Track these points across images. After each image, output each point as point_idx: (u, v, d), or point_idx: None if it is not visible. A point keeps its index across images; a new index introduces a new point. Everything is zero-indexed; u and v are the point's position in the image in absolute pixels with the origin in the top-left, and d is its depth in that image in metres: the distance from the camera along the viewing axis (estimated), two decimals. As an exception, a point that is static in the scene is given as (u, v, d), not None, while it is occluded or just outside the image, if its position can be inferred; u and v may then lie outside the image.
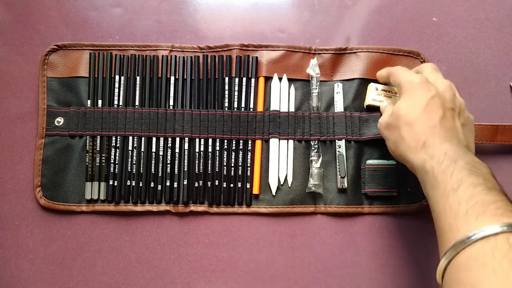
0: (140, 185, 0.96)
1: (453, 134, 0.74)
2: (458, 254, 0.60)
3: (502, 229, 0.57)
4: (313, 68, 0.96)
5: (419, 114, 0.75)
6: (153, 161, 0.96)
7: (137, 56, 0.98)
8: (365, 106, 0.97)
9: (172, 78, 0.98)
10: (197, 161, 0.96)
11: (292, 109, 0.98)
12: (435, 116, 0.74)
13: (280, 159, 0.96)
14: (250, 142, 0.97)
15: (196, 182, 0.96)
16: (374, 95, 0.94)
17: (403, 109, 0.77)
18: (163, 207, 0.96)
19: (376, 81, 0.94)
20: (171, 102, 0.97)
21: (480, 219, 0.59)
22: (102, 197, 0.96)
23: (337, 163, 0.95)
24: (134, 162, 0.95)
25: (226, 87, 0.98)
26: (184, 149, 0.96)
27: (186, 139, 0.96)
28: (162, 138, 0.96)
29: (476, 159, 0.69)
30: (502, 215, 0.59)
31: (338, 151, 0.95)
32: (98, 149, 0.96)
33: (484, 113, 0.98)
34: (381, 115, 0.91)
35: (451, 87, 0.80)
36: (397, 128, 0.77)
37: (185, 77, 0.98)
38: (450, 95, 0.78)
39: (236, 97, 0.98)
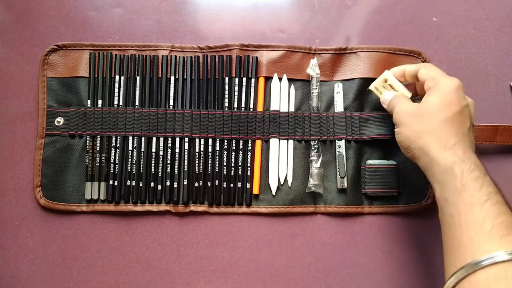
0: (140, 185, 0.96)
1: (473, 147, 0.74)
2: (476, 271, 0.59)
3: None
4: (313, 68, 0.96)
5: (455, 115, 0.74)
6: (153, 161, 0.96)
7: (137, 56, 0.98)
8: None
9: (172, 78, 0.98)
10: (197, 161, 0.96)
11: (292, 109, 0.98)
12: (466, 124, 0.75)
13: (280, 159, 0.96)
14: (250, 142, 0.97)
15: (196, 182, 0.96)
16: (379, 84, 0.92)
17: (437, 105, 0.75)
18: (163, 207, 0.96)
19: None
20: (171, 102, 0.97)
21: (504, 241, 0.59)
22: (102, 197, 0.96)
23: (337, 163, 0.95)
24: (134, 162, 0.95)
25: (226, 87, 0.98)
26: (184, 149, 0.96)
27: (186, 139, 0.96)
28: (162, 138, 0.96)
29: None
30: None
31: (338, 151, 0.95)
32: (98, 149, 0.96)
33: (484, 113, 0.98)
34: (383, 115, 0.91)
35: (474, 104, 0.80)
36: (428, 119, 0.75)
37: (185, 77, 0.98)
38: (473, 110, 0.79)
39: (236, 97, 0.98)
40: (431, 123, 0.75)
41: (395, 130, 0.81)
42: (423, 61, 0.98)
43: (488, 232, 0.60)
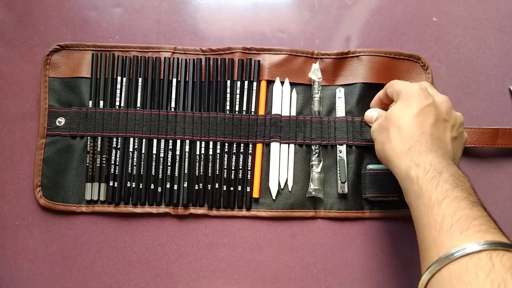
0: (140, 186, 0.96)
1: (440, 144, 0.74)
2: (441, 269, 0.60)
3: (484, 247, 0.57)
4: (315, 73, 0.97)
5: (410, 118, 0.75)
6: (153, 163, 0.96)
7: (139, 58, 0.98)
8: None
9: (174, 80, 0.98)
10: (197, 164, 0.96)
11: (293, 113, 0.98)
12: (426, 123, 0.74)
13: (280, 163, 0.96)
14: (251, 146, 0.97)
15: (196, 185, 0.96)
16: None
17: (396, 112, 0.77)
18: (162, 209, 0.96)
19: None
20: (173, 104, 0.97)
21: (464, 235, 0.59)
22: (102, 198, 0.96)
23: (338, 168, 0.96)
24: (134, 164, 0.96)
25: (228, 90, 0.98)
26: (185, 152, 0.96)
27: (187, 141, 0.96)
28: (163, 140, 0.96)
29: (460, 172, 0.69)
30: (485, 232, 0.59)
31: (339, 156, 0.96)
32: (99, 150, 0.96)
33: (484, 113, 0.99)
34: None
35: (448, 101, 0.80)
36: (387, 130, 0.77)
37: (187, 80, 0.98)
38: (447, 107, 0.79)
39: (237, 100, 0.98)
40: (389, 132, 0.77)
41: None
42: (422, 66, 0.99)
43: (448, 229, 0.61)
